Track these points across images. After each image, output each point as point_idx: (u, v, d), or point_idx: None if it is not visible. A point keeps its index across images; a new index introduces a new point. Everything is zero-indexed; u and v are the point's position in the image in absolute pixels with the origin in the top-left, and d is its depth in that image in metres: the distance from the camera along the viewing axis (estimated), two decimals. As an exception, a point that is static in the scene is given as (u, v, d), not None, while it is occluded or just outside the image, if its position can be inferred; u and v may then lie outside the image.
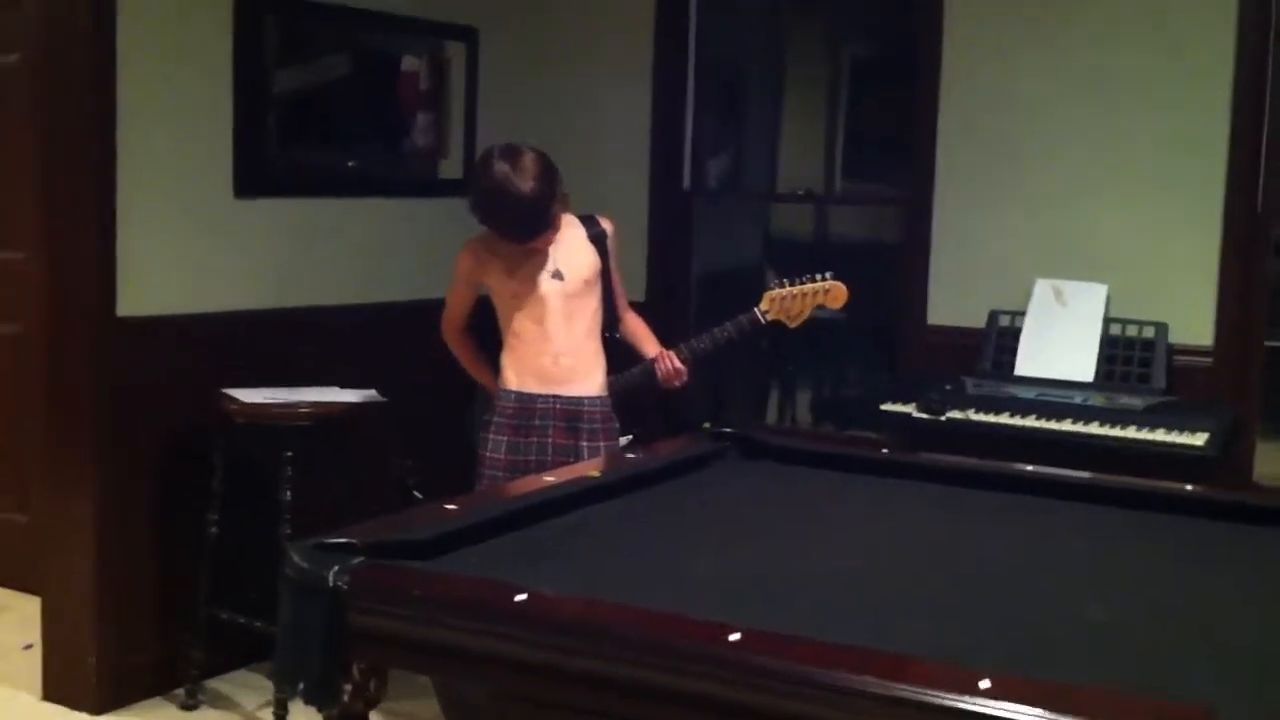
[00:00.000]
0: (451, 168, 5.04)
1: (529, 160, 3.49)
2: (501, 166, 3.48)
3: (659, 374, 3.79)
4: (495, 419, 3.69)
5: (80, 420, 4.02)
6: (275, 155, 4.46)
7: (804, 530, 2.68)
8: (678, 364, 3.78)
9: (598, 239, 3.75)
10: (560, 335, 3.66)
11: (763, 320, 3.74)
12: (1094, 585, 2.34)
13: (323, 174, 4.66)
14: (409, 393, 4.45)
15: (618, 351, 3.84)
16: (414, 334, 4.71)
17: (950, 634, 2.05)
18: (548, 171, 3.51)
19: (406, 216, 4.90)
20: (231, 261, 4.31)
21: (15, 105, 4.71)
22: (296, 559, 2.17)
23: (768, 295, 3.75)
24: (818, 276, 3.74)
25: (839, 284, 3.74)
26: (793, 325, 3.77)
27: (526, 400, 3.67)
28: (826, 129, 7.30)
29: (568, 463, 3.53)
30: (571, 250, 3.70)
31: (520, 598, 2.01)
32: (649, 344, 3.85)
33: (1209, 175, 4.31)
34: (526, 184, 3.46)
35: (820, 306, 3.78)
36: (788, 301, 3.73)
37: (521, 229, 3.56)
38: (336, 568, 2.10)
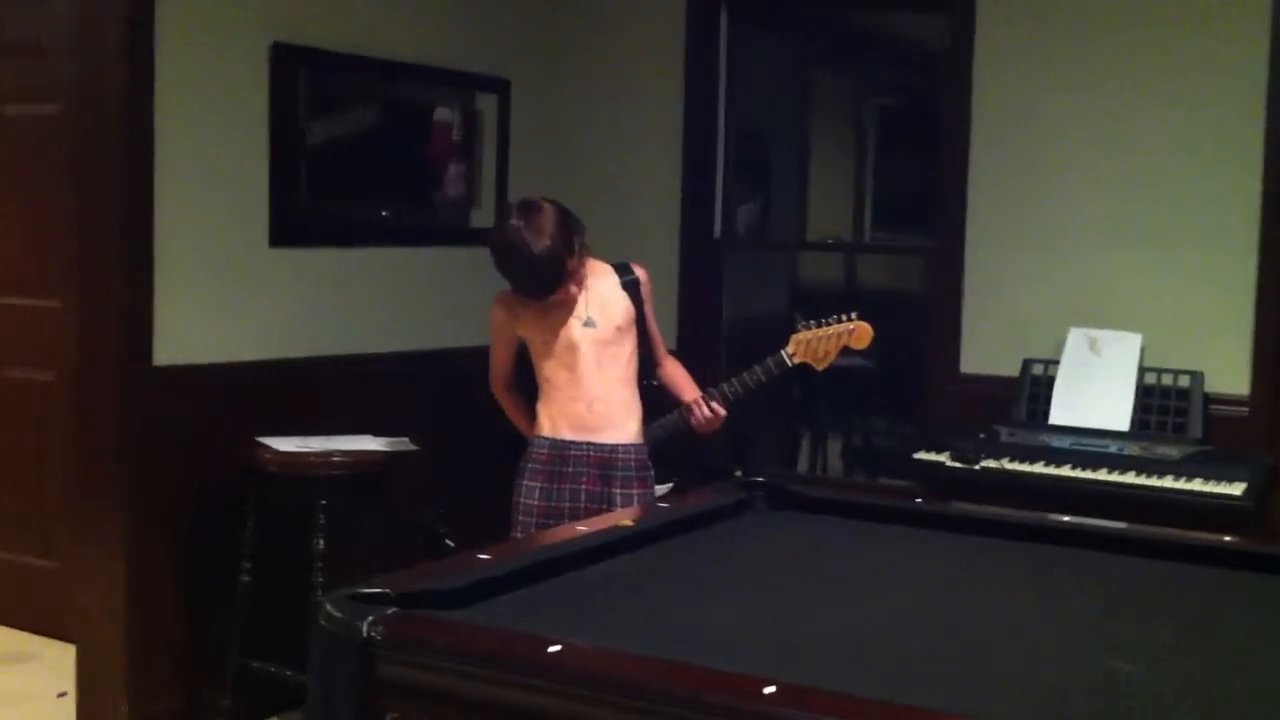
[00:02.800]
0: (483, 217, 5.07)
1: (544, 217, 3.50)
2: (515, 224, 3.50)
3: (693, 421, 3.77)
4: (530, 465, 3.69)
5: (112, 468, 4.04)
6: (309, 205, 4.50)
7: (834, 583, 2.66)
8: (713, 409, 3.76)
9: (630, 286, 3.76)
10: (593, 382, 3.66)
11: (789, 363, 3.72)
12: (1123, 641, 2.30)
13: (356, 224, 4.70)
14: (442, 441, 4.46)
15: (658, 398, 3.83)
16: (446, 382, 4.74)
17: (975, 690, 2.02)
18: (563, 228, 3.51)
19: (438, 266, 4.93)
20: (266, 311, 4.34)
21: (53, 155, 4.77)
22: (330, 609, 2.16)
23: (794, 338, 3.74)
24: (843, 318, 3.72)
25: (864, 324, 3.71)
26: (820, 368, 3.75)
27: (561, 447, 3.67)
28: (855, 179, 7.33)
29: (601, 510, 3.53)
30: (604, 297, 3.71)
31: (554, 649, 2.00)
32: (688, 390, 3.84)
33: (1243, 224, 4.29)
34: (538, 243, 3.47)
35: (846, 348, 3.75)
36: (814, 344, 3.71)
37: (534, 286, 3.58)
38: (370, 618, 2.10)
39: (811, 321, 3.74)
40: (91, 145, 4.06)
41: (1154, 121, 4.42)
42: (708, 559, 2.79)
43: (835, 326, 3.70)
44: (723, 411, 3.75)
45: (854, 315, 3.72)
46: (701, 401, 3.76)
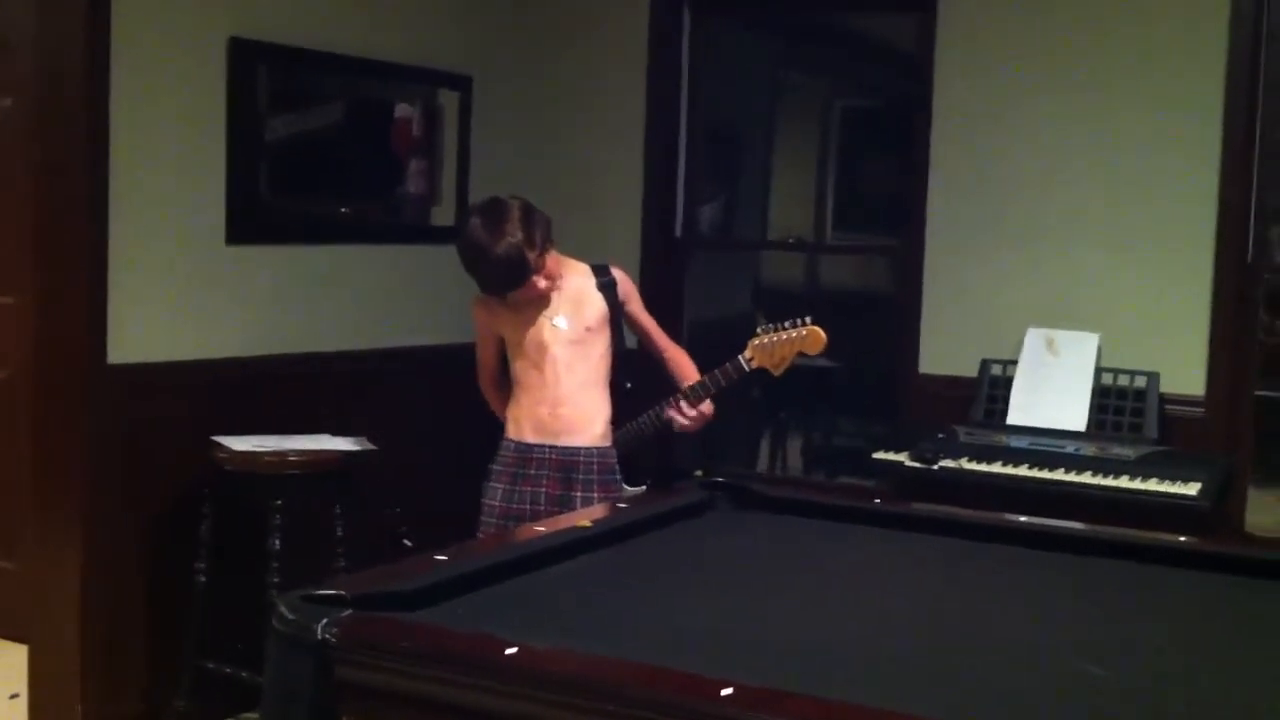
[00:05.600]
0: (444, 215, 5.05)
1: (507, 215, 3.52)
2: (476, 220, 3.55)
3: (675, 425, 3.75)
4: (495, 467, 3.73)
5: (68, 467, 4.00)
6: (268, 202, 4.47)
7: (794, 583, 2.67)
8: (695, 410, 3.72)
9: (607, 288, 3.77)
10: (560, 384, 3.66)
11: (747, 368, 3.72)
12: (1087, 640, 2.32)
13: (315, 221, 4.66)
14: (403, 441, 4.43)
15: (631, 400, 3.82)
16: (407, 381, 4.72)
17: (938, 689, 2.03)
18: (528, 226, 3.52)
19: (399, 263, 4.90)
20: (223, 308, 4.30)
21: (9, 150, 4.72)
22: (284, 610, 2.15)
23: (751, 344, 3.72)
24: (798, 322, 3.71)
25: (816, 329, 3.68)
26: (777, 373, 3.74)
27: (524, 450, 3.68)
28: (818, 178, 7.34)
29: (559, 513, 3.52)
30: (578, 298, 3.71)
31: (510, 651, 1.99)
32: (690, 381, 3.80)
33: (1200, 226, 4.33)
34: (500, 240, 3.49)
35: (801, 353, 3.74)
36: (770, 349, 3.70)
37: (496, 283, 3.60)
38: (325, 620, 2.08)
39: (770, 325, 3.73)
40: (48, 140, 4.02)
41: (1113, 124, 4.45)
42: (668, 560, 2.79)
43: (790, 331, 3.68)
44: (697, 412, 3.71)
45: (808, 320, 3.69)
46: (679, 408, 3.73)
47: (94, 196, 3.93)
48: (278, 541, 3.92)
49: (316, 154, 4.65)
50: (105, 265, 3.96)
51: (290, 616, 2.12)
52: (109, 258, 3.97)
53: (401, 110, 4.94)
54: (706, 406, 3.73)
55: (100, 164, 3.93)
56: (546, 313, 3.67)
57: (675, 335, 5.35)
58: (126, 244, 4.01)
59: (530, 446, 3.68)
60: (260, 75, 4.37)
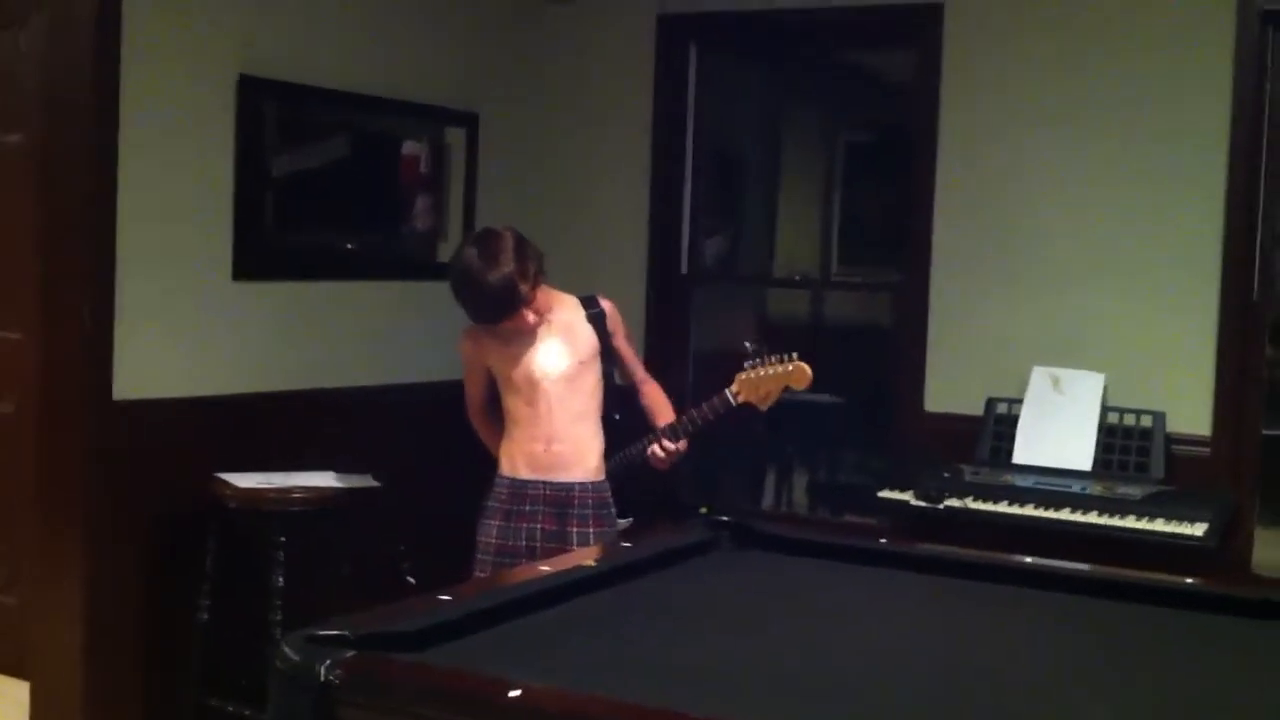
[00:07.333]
0: (450, 251, 5.00)
1: (500, 246, 3.53)
2: (470, 253, 3.55)
3: (651, 461, 3.76)
4: (490, 504, 3.72)
5: (72, 502, 4.00)
6: (274, 238, 4.48)
7: (797, 623, 2.65)
8: (665, 447, 3.72)
9: (596, 319, 3.76)
10: (552, 419, 3.66)
11: (733, 402, 3.71)
12: (1091, 681, 2.31)
13: (321, 257, 4.68)
14: (407, 477, 4.43)
15: (622, 431, 3.81)
16: (412, 417, 4.71)
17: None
18: (519, 255, 3.53)
19: (405, 299, 4.91)
20: (229, 344, 4.31)
21: (16, 185, 4.73)
22: (287, 650, 2.14)
23: (739, 377, 3.72)
24: (785, 357, 3.70)
25: (802, 365, 3.67)
26: (763, 408, 3.73)
27: (518, 486, 3.68)
28: (822, 211, 7.35)
29: (555, 548, 3.53)
30: (568, 330, 3.71)
31: (514, 693, 1.98)
32: (662, 417, 3.83)
33: (1204, 264, 4.33)
34: (492, 269, 3.49)
35: (788, 388, 3.74)
36: (757, 383, 3.70)
37: (486, 312, 3.59)
38: (328, 661, 2.07)
39: (757, 360, 3.72)
40: (55, 176, 4.04)
41: (1118, 160, 4.46)
42: (672, 600, 2.77)
43: (777, 367, 3.68)
44: (674, 448, 3.72)
45: (795, 355, 3.68)
46: (655, 442, 3.73)
47: (101, 232, 3.95)
48: (281, 579, 3.91)
49: (323, 190, 4.66)
50: (112, 300, 3.97)
51: (293, 657, 2.11)
52: (115, 293, 3.97)
53: (408, 147, 4.96)
54: (682, 444, 3.73)
55: (107, 200, 3.95)
56: (537, 348, 3.67)
57: (681, 368, 5.37)
58: (133, 279, 4.02)
59: (524, 483, 3.67)
60: (268, 112, 4.39)
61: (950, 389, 4.68)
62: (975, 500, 4.14)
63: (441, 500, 4.40)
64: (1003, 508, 4.09)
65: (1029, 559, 2.98)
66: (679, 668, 2.29)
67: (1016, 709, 2.16)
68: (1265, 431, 4.43)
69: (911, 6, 4.78)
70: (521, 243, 3.57)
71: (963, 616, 2.72)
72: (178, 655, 4.07)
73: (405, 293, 4.91)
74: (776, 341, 3.79)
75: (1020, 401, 4.43)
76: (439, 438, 4.23)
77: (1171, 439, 4.29)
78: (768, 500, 6.50)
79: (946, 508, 4.13)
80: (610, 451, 3.78)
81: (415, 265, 5.01)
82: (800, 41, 5.52)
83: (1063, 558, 3.02)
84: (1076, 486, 4.15)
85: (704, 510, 3.38)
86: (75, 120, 3.96)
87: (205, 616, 4.02)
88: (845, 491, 6.38)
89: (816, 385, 3.73)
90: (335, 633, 2.19)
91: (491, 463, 3.79)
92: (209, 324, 4.25)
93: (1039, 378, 4.44)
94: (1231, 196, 4.30)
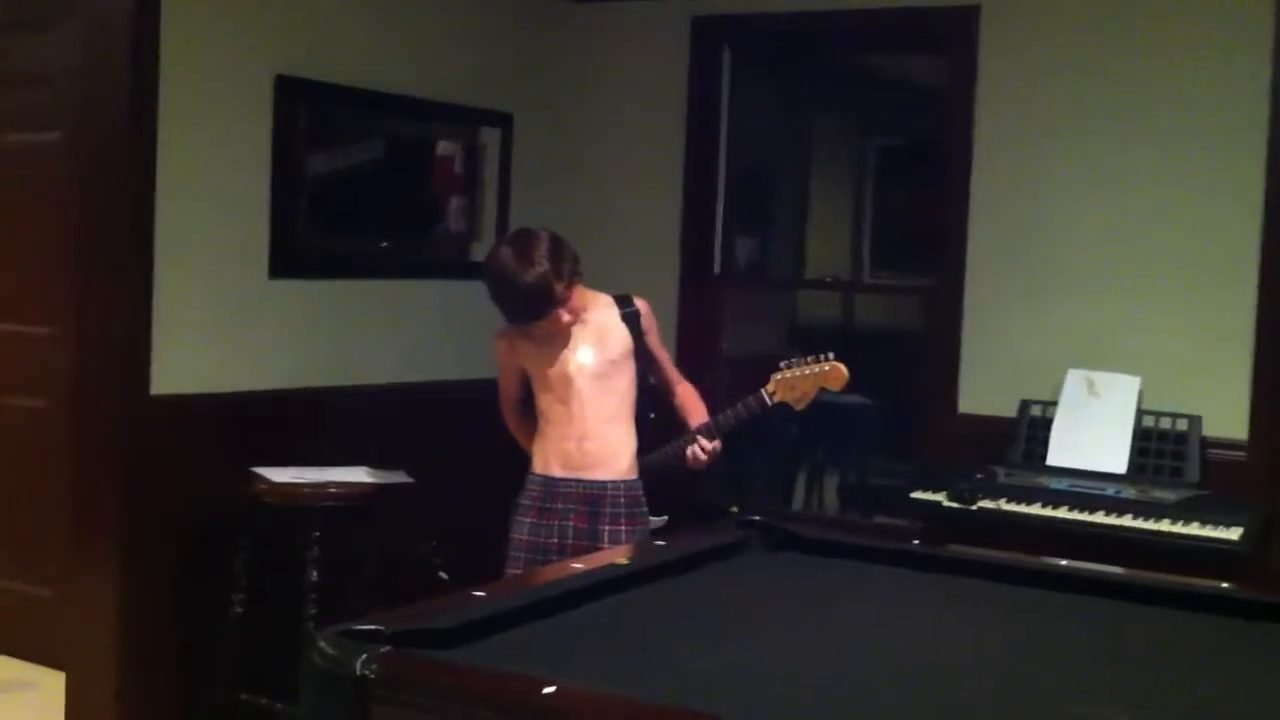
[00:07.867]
0: (484, 251, 5.03)
1: (536, 245, 3.53)
2: (506, 252, 3.56)
3: (688, 460, 3.77)
4: (523, 502, 3.72)
5: (107, 495, 4.03)
6: (310, 237, 4.51)
7: (827, 625, 2.65)
8: (703, 447, 3.73)
9: (630, 318, 3.77)
10: (586, 418, 3.66)
11: (769, 402, 3.71)
12: (1119, 686, 2.29)
13: (356, 256, 4.70)
14: (440, 474, 4.45)
15: (655, 431, 3.82)
16: (444, 415, 4.73)
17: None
18: (555, 255, 3.53)
19: (439, 299, 4.93)
20: (264, 342, 4.34)
21: (55, 184, 4.78)
22: (323, 645, 2.15)
23: (774, 378, 3.72)
24: (821, 357, 3.69)
25: (839, 365, 3.67)
26: (798, 408, 3.73)
27: (551, 484, 3.68)
28: (855, 216, 7.35)
29: (587, 546, 3.54)
30: (602, 329, 3.71)
31: (547, 691, 1.98)
32: (695, 417, 3.83)
33: (1242, 267, 4.30)
34: (527, 268, 3.50)
35: (824, 388, 3.74)
36: (792, 383, 3.70)
37: (521, 312, 3.59)
38: (364, 656, 2.08)
39: (794, 360, 3.73)
40: (93, 174, 4.07)
41: (1154, 163, 4.44)
42: (704, 601, 2.78)
43: (813, 367, 3.68)
44: (709, 447, 3.73)
45: (831, 355, 3.68)
46: (693, 441, 3.74)
47: (138, 230, 3.98)
48: (315, 573, 3.93)
49: (358, 190, 4.69)
50: (149, 297, 4.01)
51: (329, 652, 2.13)
52: (153, 290, 4.01)
53: (443, 148, 4.98)
54: (718, 443, 3.74)
55: (145, 198, 3.98)
56: (571, 347, 3.67)
57: (713, 370, 5.37)
58: (170, 276, 4.05)
59: (557, 481, 3.68)
60: (304, 112, 4.42)
61: (983, 391, 4.67)
62: (1008, 502, 4.12)
63: (474, 498, 4.43)
64: (1036, 510, 4.07)
65: (1062, 561, 2.97)
66: (711, 669, 2.29)
67: (1043, 712, 2.15)
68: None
69: (948, 10, 4.77)
70: (557, 242, 3.58)
71: (994, 621, 2.71)
72: (211, 649, 4.10)
73: (439, 292, 4.93)
74: (808, 344, 3.79)
75: (1054, 404, 4.42)
76: (472, 435, 4.24)
77: (1207, 443, 4.26)
78: (799, 501, 6.50)
79: (979, 509, 4.11)
80: (644, 450, 3.78)
81: (448, 265, 5.03)
82: (835, 47, 5.51)
83: (1096, 561, 3.01)
84: (1111, 490, 4.13)
85: (734, 510, 3.38)
86: (112, 119, 4.00)
87: (239, 611, 4.05)
88: (877, 493, 6.37)
89: (829, 391, 3.74)
90: (370, 628, 2.21)
91: (524, 460, 3.80)
92: (245, 321, 4.29)
93: (1074, 380, 4.42)
94: (1270, 200, 4.27)
